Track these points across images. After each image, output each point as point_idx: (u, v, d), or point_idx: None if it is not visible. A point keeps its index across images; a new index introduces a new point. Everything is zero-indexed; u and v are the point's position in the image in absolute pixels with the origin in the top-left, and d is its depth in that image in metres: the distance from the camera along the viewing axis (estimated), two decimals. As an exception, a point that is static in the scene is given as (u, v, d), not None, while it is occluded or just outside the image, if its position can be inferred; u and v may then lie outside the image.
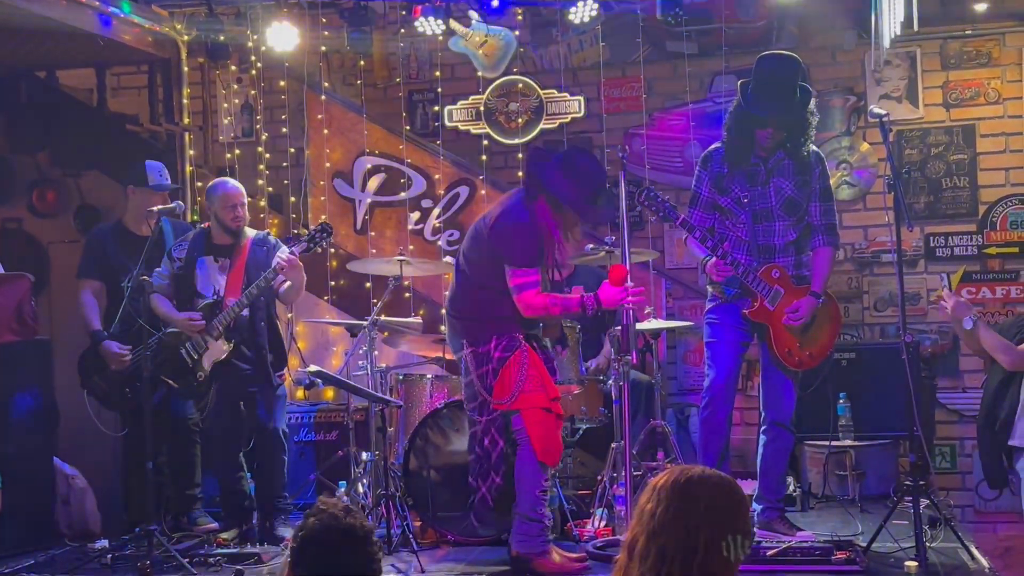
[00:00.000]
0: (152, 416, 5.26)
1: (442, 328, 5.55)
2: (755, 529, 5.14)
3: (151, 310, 5.67)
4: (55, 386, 6.08)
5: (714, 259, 5.01)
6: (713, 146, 5.25)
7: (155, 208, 5.78)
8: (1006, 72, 7.20)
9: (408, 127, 7.69)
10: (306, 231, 5.59)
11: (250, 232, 5.84)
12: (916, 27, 6.43)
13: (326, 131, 7.56)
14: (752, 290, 5.05)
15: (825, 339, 5.18)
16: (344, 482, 5.76)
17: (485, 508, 4.83)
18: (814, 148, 5.19)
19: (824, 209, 5.18)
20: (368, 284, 7.06)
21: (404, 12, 7.30)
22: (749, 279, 5.01)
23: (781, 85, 5.00)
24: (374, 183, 7.54)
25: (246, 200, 5.85)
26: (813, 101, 5.08)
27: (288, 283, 5.71)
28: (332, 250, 7.22)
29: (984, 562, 4.56)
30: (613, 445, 5.36)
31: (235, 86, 7.83)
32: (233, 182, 5.88)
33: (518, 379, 4.62)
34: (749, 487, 5.54)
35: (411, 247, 7.13)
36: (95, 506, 6.18)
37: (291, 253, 5.50)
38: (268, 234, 5.97)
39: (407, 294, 7.08)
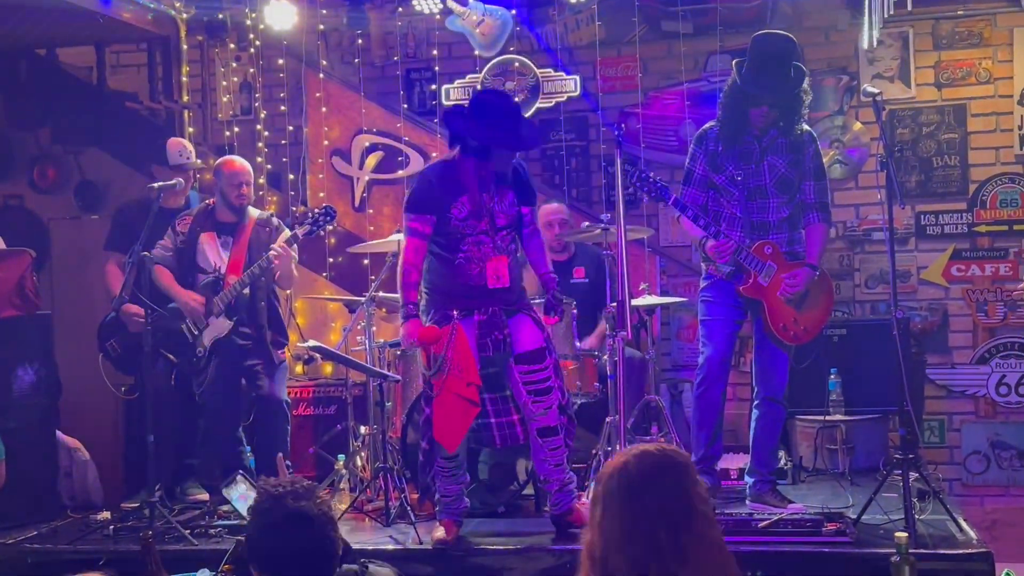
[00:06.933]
0: (152, 389, 5.33)
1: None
2: (748, 501, 5.25)
3: (153, 284, 5.74)
4: (56, 360, 6.14)
5: (713, 241, 5.07)
6: (708, 124, 5.29)
7: (155, 185, 5.84)
8: (997, 52, 7.24)
9: (406, 105, 7.73)
10: (304, 208, 5.65)
11: (254, 212, 5.90)
12: (910, 7, 6.49)
13: (324, 109, 7.61)
14: (746, 266, 5.11)
15: (820, 313, 5.23)
16: (343, 455, 5.87)
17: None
18: (807, 127, 5.23)
19: (818, 187, 5.22)
20: (366, 261, 7.12)
21: (401, -10, 7.37)
22: (742, 255, 5.07)
23: (776, 64, 5.03)
24: (372, 161, 7.58)
25: (252, 179, 5.91)
26: (807, 80, 5.13)
27: (279, 272, 5.80)
28: (330, 227, 7.27)
29: (972, 534, 4.62)
30: (608, 420, 5.43)
31: (234, 64, 7.84)
32: (240, 160, 5.93)
33: (440, 356, 4.66)
34: (741, 460, 5.64)
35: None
36: (96, 478, 6.25)
37: (293, 236, 5.62)
38: (272, 215, 6.03)
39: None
